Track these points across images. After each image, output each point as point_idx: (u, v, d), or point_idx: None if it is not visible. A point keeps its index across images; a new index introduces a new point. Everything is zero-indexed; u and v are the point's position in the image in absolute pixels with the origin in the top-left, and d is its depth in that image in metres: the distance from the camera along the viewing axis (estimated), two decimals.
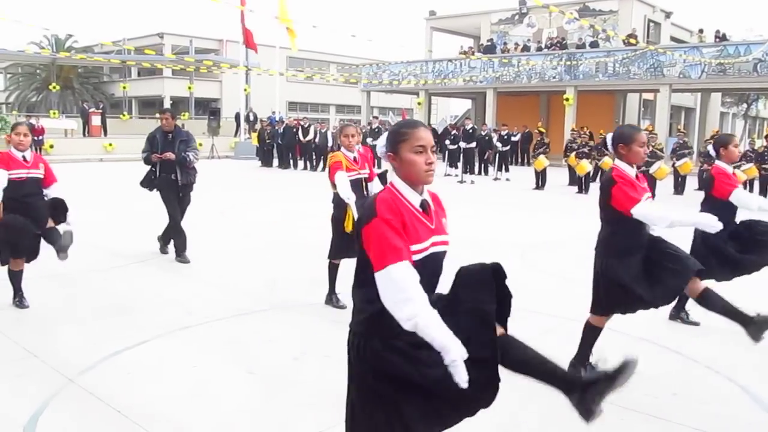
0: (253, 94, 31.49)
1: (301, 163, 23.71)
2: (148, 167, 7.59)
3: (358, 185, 5.50)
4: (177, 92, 43.23)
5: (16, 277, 5.61)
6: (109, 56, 34.91)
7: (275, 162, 24.24)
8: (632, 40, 25.61)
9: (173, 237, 7.69)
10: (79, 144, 27.53)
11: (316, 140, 22.91)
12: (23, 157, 5.41)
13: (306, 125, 23.64)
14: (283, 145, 23.68)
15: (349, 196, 5.24)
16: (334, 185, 5.47)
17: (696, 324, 5.43)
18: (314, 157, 23.28)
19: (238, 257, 7.93)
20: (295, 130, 23.56)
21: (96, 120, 29.68)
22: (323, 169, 22.53)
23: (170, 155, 7.31)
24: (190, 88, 37.73)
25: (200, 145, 28.15)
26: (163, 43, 42.92)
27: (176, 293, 6.18)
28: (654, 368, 4.41)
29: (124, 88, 36.97)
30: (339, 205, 5.50)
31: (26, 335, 4.91)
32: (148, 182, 7.65)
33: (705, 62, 24.42)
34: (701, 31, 29.34)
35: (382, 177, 5.76)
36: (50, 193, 5.61)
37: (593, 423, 2.55)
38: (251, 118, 30.70)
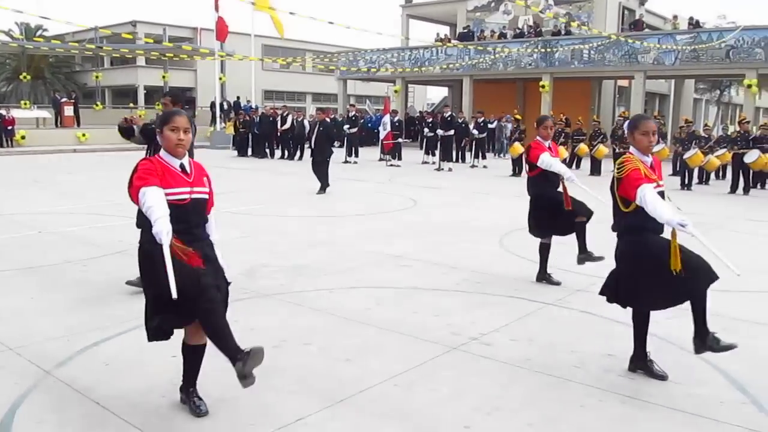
0: (228, 82, 31.23)
1: (278, 152, 23.61)
2: None
3: None
4: (151, 81, 42.68)
5: (195, 358, 3.57)
6: (82, 44, 34.30)
7: (250, 151, 24.12)
8: (677, 23, 26.60)
9: None
10: (51, 134, 27.18)
11: (294, 129, 22.83)
12: (181, 166, 3.47)
13: (284, 114, 23.51)
14: (259, 134, 23.53)
15: (683, 221, 3.57)
16: (625, 202, 3.98)
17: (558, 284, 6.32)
18: (291, 145, 23.18)
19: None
20: (271, 118, 23.44)
21: (69, 110, 29.29)
22: (300, 158, 22.45)
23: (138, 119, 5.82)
24: (164, 77, 37.24)
25: None
26: (136, 31, 42.33)
27: None
28: (630, 350, 4.47)
29: (97, 77, 36.40)
30: (637, 229, 3.98)
31: (1, 328, 4.84)
32: None
33: (679, 49, 24.64)
34: (675, 17, 29.60)
35: None
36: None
37: None
38: (225, 107, 30.46)
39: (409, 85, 37.40)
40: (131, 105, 40.38)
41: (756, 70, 23.36)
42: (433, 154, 20.90)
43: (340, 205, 11.63)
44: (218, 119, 29.68)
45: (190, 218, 3.40)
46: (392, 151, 21.14)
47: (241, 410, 3.59)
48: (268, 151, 23.58)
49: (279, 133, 23.32)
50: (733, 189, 14.97)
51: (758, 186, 16.05)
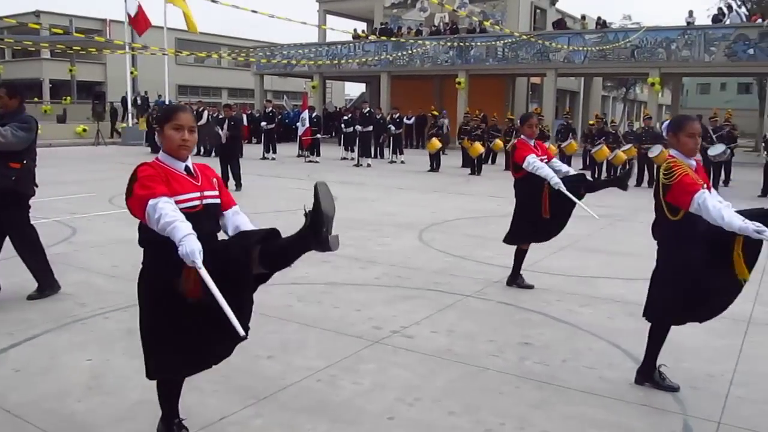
0: (140, 77, 30.28)
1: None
2: None
3: None
4: (57, 75, 40.92)
5: (172, 395, 3.21)
6: None
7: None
8: (585, 23, 28.15)
9: None
10: None
11: (209, 125, 22.43)
12: (186, 168, 2.98)
13: (200, 109, 23.06)
14: None
15: (760, 227, 3.34)
16: (672, 210, 3.67)
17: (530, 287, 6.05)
18: (207, 141, 22.74)
19: (127, 247, 7.66)
20: None
21: None
22: (215, 155, 22.01)
23: None
24: (71, 70, 35.76)
25: (84, 130, 27.00)
26: (40, 22, 40.44)
27: (66, 285, 5.90)
28: (544, 337, 4.65)
29: None
30: (684, 238, 3.70)
31: None
32: None
33: (587, 49, 25.60)
34: (584, 17, 30.71)
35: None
36: (230, 223, 3.11)
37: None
38: (139, 102, 29.56)
39: (327, 81, 37.32)
40: (36, 99, 38.61)
41: (659, 68, 24.57)
42: (352, 150, 20.94)
43: (258, 201, 11.50)
44: (130, 115, 28.77)
45: (203, 228, 2.81)
46: (311, 147, 21.07)
47: None
48: None
49: None
50: (639, 182, 15.69)
51: None
